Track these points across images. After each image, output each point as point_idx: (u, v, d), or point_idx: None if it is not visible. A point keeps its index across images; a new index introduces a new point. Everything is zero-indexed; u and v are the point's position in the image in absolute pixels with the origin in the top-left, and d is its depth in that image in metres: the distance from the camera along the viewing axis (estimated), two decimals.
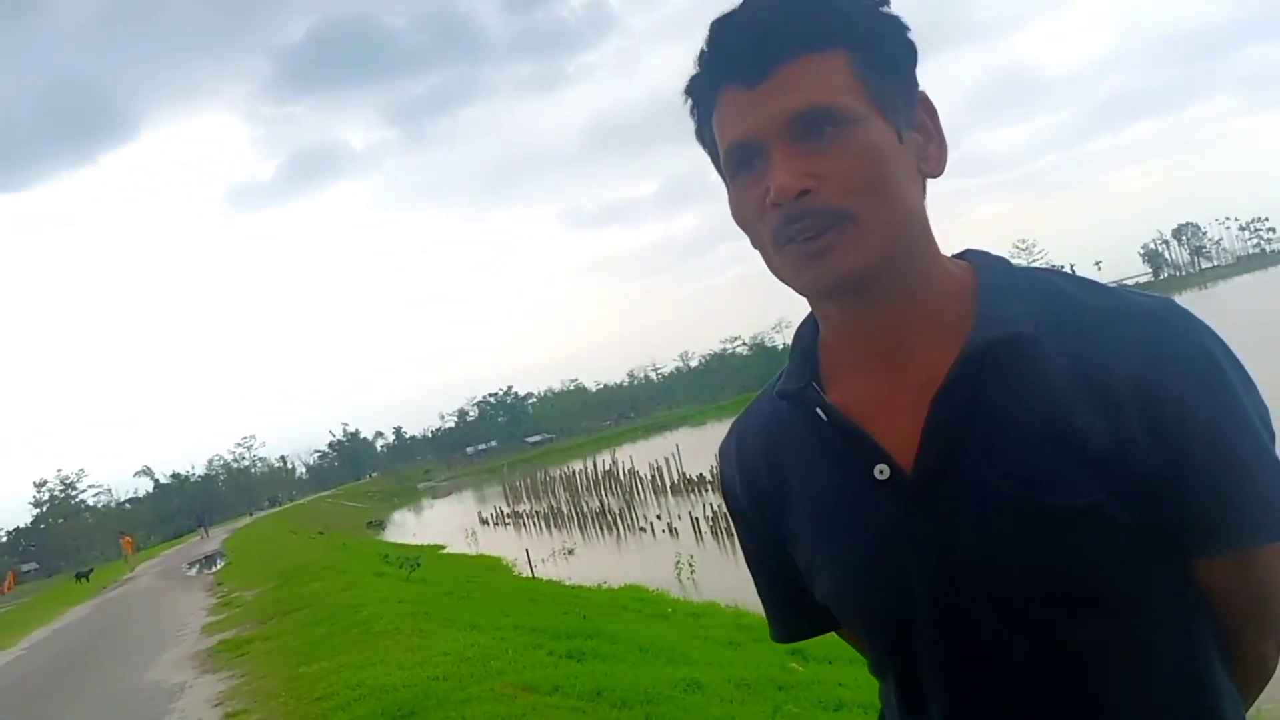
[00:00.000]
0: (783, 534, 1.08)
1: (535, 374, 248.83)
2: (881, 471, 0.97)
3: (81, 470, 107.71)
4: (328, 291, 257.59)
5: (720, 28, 0.96)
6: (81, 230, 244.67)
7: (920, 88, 0.98)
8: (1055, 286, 0.97)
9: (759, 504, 1.10)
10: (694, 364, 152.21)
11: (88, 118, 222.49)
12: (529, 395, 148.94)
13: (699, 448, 48.67)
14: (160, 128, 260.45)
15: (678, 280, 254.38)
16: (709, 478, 36.76)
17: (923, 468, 0.95)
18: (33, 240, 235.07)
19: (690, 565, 20.16)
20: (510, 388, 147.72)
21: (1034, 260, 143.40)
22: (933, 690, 1.00)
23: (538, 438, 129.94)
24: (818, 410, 1.02)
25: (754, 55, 0.93)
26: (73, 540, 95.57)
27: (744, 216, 0.98)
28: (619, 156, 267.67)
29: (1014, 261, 1.02)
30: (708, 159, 1.04)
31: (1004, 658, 0.95)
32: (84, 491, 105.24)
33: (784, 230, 0.93)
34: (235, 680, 10.38)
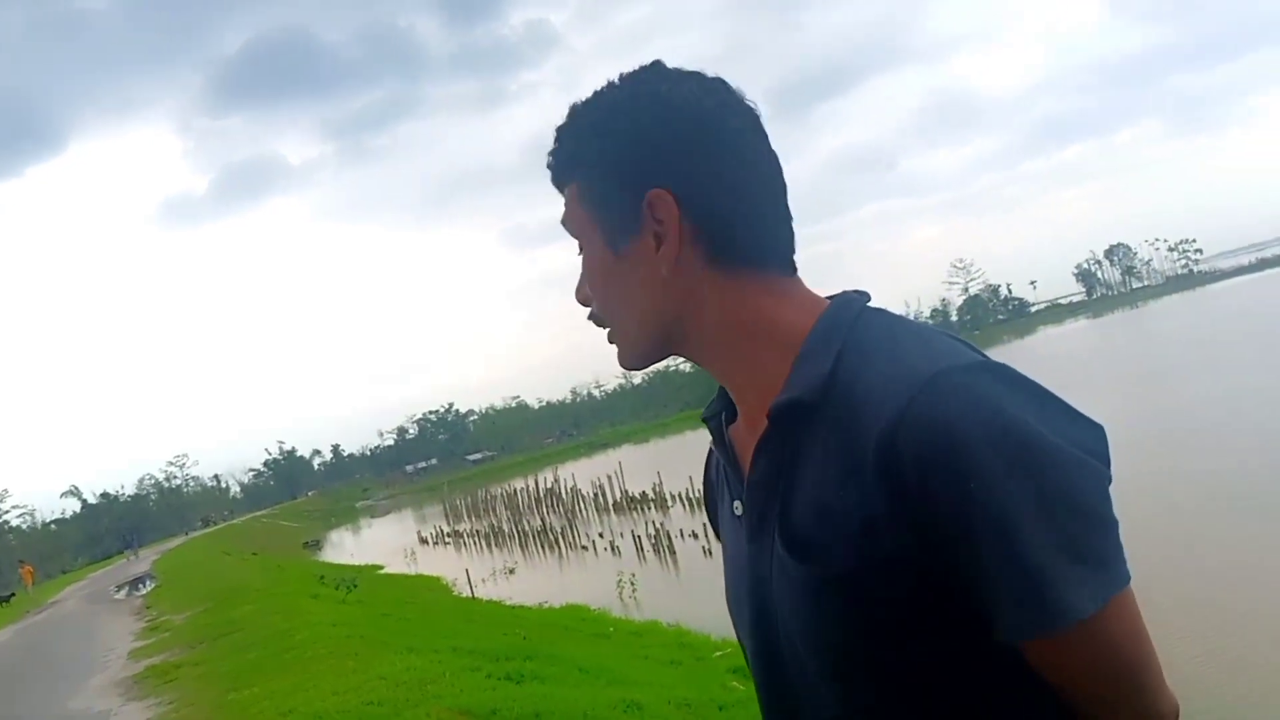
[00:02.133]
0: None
1: (477, 391, 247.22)
2: (736, 508, 1.04)
3: (4, 490, 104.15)
4: (264, 308, 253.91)
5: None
6: (4, 244, 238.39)
7: (654, 188, 0.98)
8: (867, 346, 0.94)
9: (714, 521, 1.18)
10: (637, 381, 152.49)
11: (13, 130, 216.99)
12: (470, 413, 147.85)
13: (641, 465, 48.65)
14: (90, 139, 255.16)
15: None
16: (651, 495, 36.75)
17: (747, 517, 1.01)
18: None
19: (632, 583, 20.10)
20: (451, 405, 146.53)
21: (971, 280, 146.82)
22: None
23: (479, 455, 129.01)
24: (722, 438, 1.08)
25: (552, 175, 1.08)
26: None
27: None
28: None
29: (874, 308, 1.00)
30: None
31: (806, 706, 0.98)
32: (7, 512, 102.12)
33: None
34: (162, 707, 10.08)
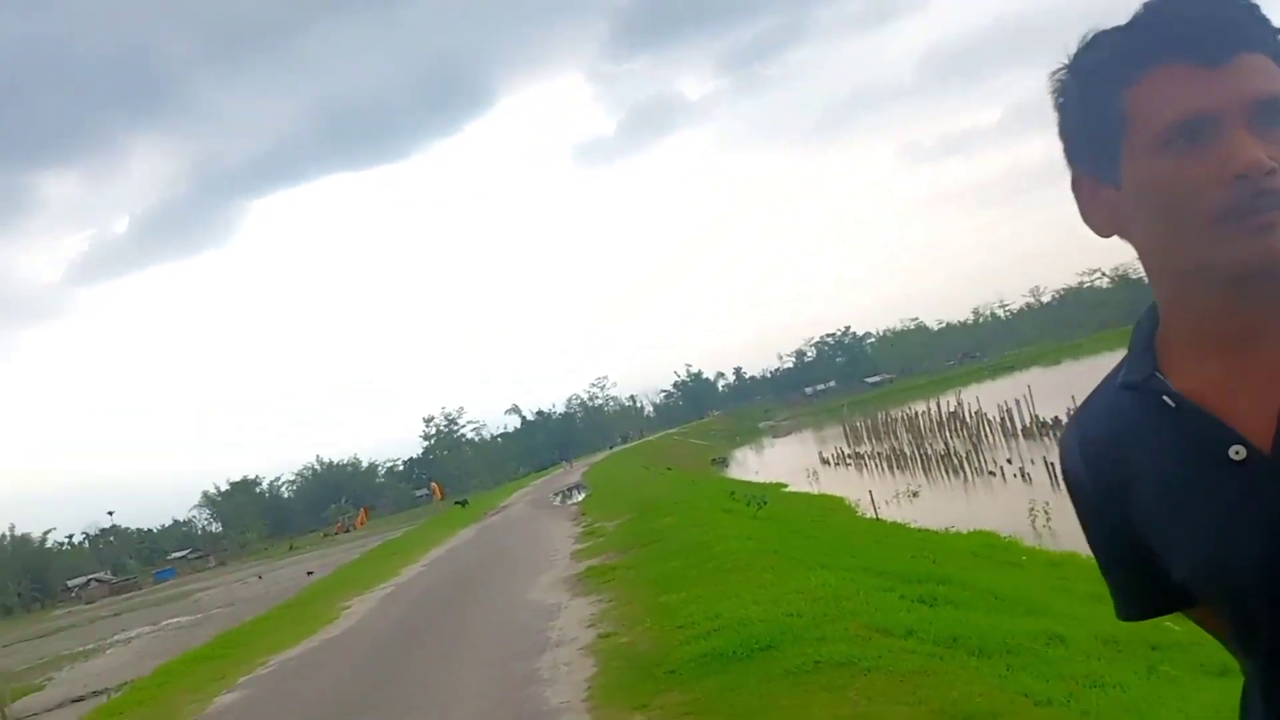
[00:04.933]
0: (1131, 520, 1.12)
1: (874, 314, 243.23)
2: (1237, 452, 1.01)
3: (461, 408, 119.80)
4: (671, 238, 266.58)
5: (1162, 9, 1.02)
6: (451, 192, 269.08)
7: None
8: None
9: (1105, 492, 1.14)
10: (1046, 299, 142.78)
11: (454, 90, 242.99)
12: (867, 335, 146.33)
13: (1053, 389, 45.72)
14: (514, 94, 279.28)
15: (1025, 211, 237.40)
16: (1065, 421, 34.52)
17: None
18: (412, 203, 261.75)
19: (1046, 512, 19.21)
20: (848, 328, 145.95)
21: None
22: None
23: (877, 378, 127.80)
24: (1165, 398, 1.06)
25: (1217, 40, 0.99)
26: (455, 470, 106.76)
27: (1181, 184, 1.01)
28: (957, 86, 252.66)
29: None
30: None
31: None
32: (464, 427, 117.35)
33: (1242, 202, 0.97)
34: (604, 604, 11.30)
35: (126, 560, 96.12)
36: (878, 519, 22.83)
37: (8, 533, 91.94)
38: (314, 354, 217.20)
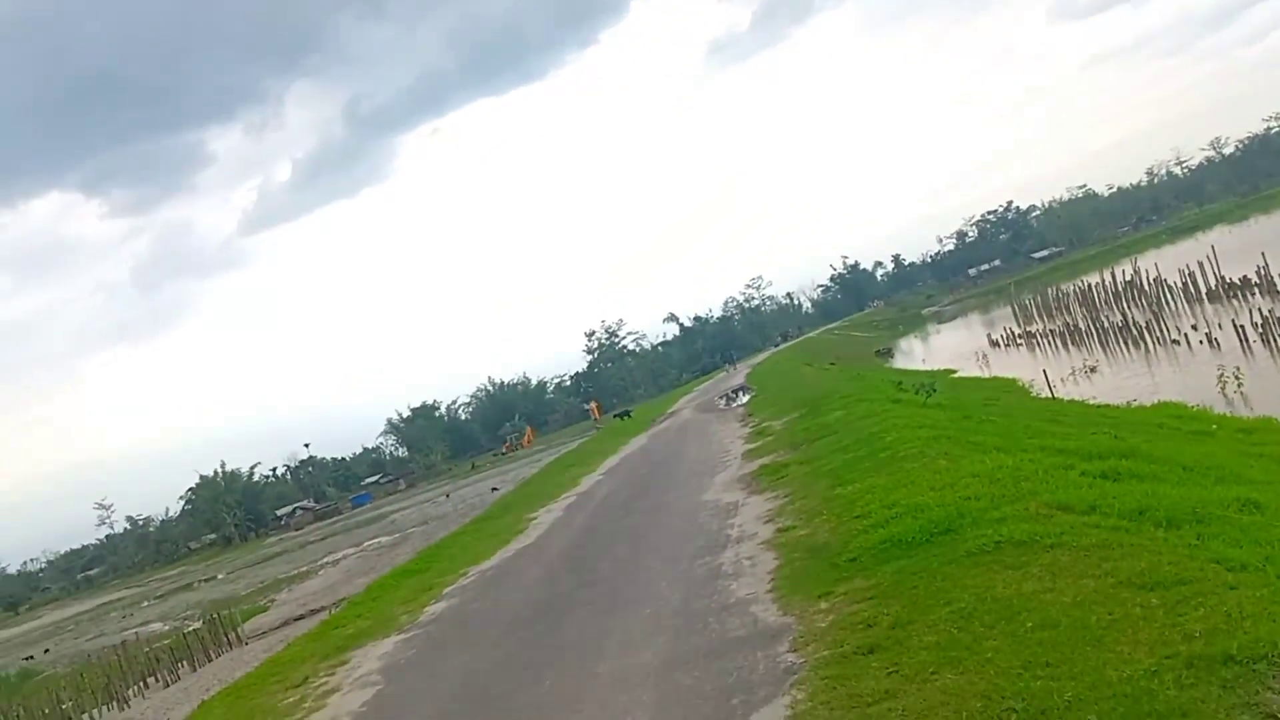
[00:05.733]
0: None
1: (1038, 186, 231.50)
2: None
3: (621, 320, 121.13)
4: (819, 127, 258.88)
5: None
6: (592, 106, 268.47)
7: None
8: None
9: None
10: (1228, 151, 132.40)
11: (586, 2, 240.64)
12: (1032, 209, 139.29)
13: (1240, 247, 42.94)
14: None
15: (1200, 58, 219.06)
16: (1255, 280, 32.50)
17: None
18: (555, 121, 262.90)
19: (1237, 377, 18.32)
20: (1010, 203, 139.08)
21: None
22: None
23: (1045, 253, 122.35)
24: None
25: None
26: (620, 381, 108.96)
27: None
28: None
29: None
30: None
31: None
32: (624, 339, 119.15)
33: None
34: (780, 500, 11.55)
35: (325, 488, 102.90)
36: (1054, 398, 22.23)
37: (219, 470, 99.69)
38: (477, 278, 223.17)
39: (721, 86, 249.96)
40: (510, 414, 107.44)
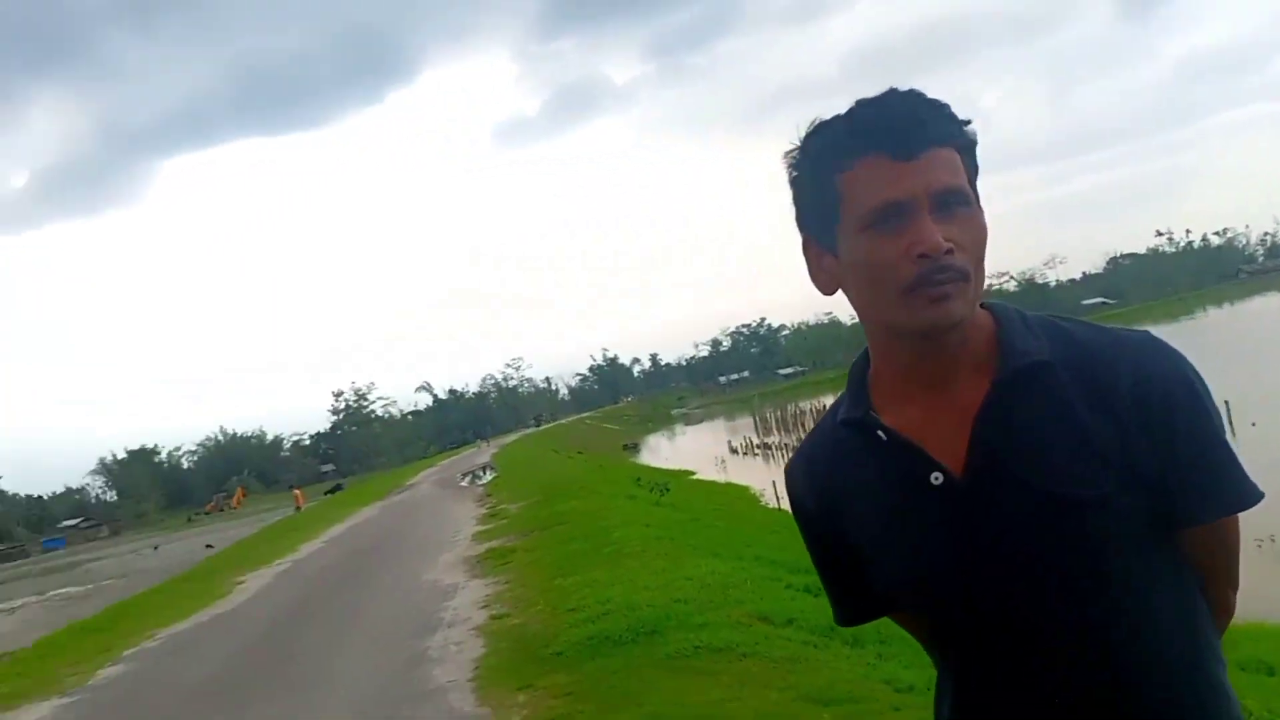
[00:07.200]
0: (847, 536, 1.32)
1: (789, 307, 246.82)
2: (936, 478, 1.22)
3: (372, 383, 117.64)
4: (589, 222, 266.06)
5: (871, 107, 1.22)
6: (368, 164, 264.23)
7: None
8: (1059, 326, 1.26)
9: (825, 512, 1.35)
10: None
11: (376, 60, 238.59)
12: (782, 327, 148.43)
13: None
14: (439, 67, 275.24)
15: None
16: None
17: (971, 472, 1.20)
18: (328, 172, 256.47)
19: None
20: (764, 319, 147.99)
21: None
22: (984, 662, 1.24)
23: (790, 370, 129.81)
24: (879, 432, 1.26)
25: (911, 135, 1.19)
26: (363, 446, 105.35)
27: (879, 260, 1.20)
28: (883, 84, 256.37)
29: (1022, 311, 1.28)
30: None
31: (1040, 629, 1.20)
32: (374, 403, 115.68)
33: (925, 277, 1.17)
34: (500, 586, 11.39)
35: (14, 527, 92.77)
36: (779, 509, 23.25)
37: None
38: (220, 322, 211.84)
39: (504, 163, 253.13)
40: (239, 468, 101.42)
